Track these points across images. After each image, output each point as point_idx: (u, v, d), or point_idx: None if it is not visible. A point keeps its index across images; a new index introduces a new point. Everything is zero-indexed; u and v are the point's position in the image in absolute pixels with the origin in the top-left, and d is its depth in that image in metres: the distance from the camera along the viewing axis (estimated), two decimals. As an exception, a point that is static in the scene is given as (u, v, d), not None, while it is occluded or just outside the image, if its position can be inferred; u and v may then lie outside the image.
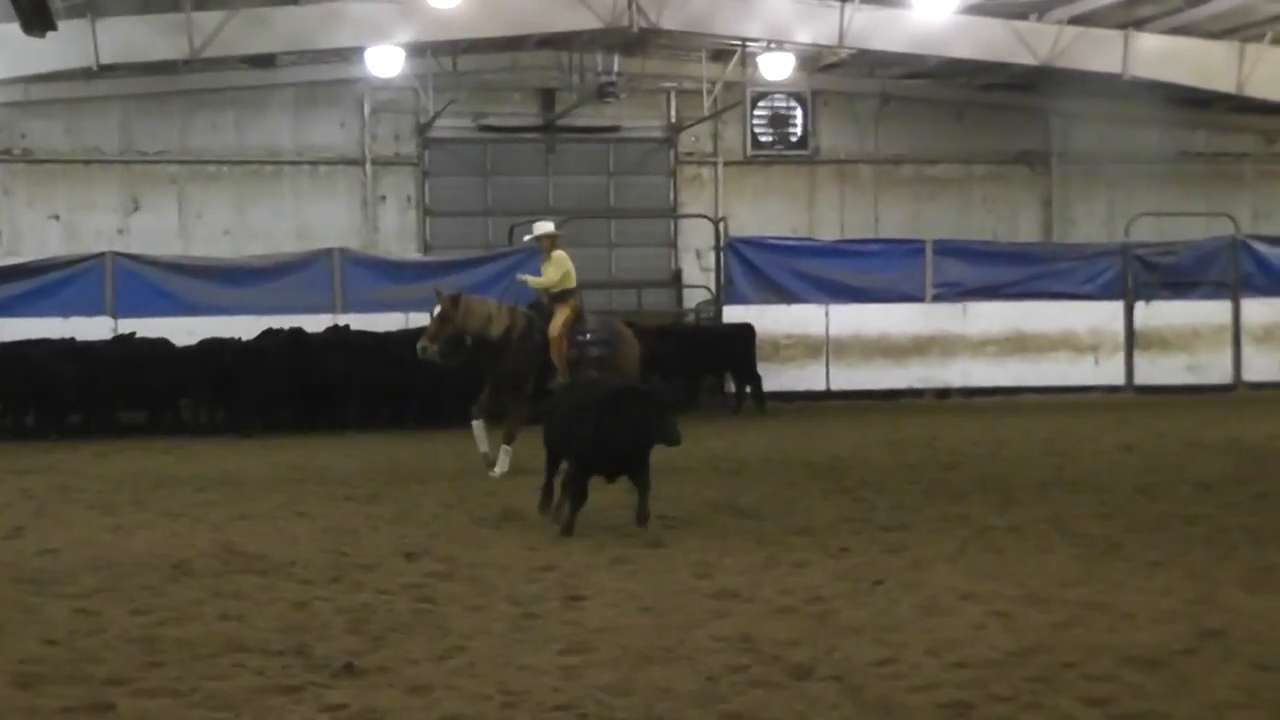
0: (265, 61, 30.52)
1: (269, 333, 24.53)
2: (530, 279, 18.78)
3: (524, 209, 31.64)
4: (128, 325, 25.30)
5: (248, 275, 27.24)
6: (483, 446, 17.54)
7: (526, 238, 19.23)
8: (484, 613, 9.49)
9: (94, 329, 25.25)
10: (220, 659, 8.32)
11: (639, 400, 12.27)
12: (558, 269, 18.33)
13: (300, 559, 11.50)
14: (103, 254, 26.91)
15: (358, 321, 25.77)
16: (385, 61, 30.17)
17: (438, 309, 17.64)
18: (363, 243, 31.31)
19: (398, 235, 32.61)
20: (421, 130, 32.43)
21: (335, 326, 25.42)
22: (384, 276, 27.74)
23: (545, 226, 18.82)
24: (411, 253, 31.60)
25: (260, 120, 32.09)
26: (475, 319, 17.65)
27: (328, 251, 27.74)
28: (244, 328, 24.73)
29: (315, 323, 25.34)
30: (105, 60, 27.98)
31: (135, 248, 28.87)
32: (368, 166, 32.52)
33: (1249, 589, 9.77)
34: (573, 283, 18.45)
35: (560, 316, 17.99)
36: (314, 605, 9.77)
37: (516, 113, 33.08)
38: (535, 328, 17.91)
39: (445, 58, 31.56)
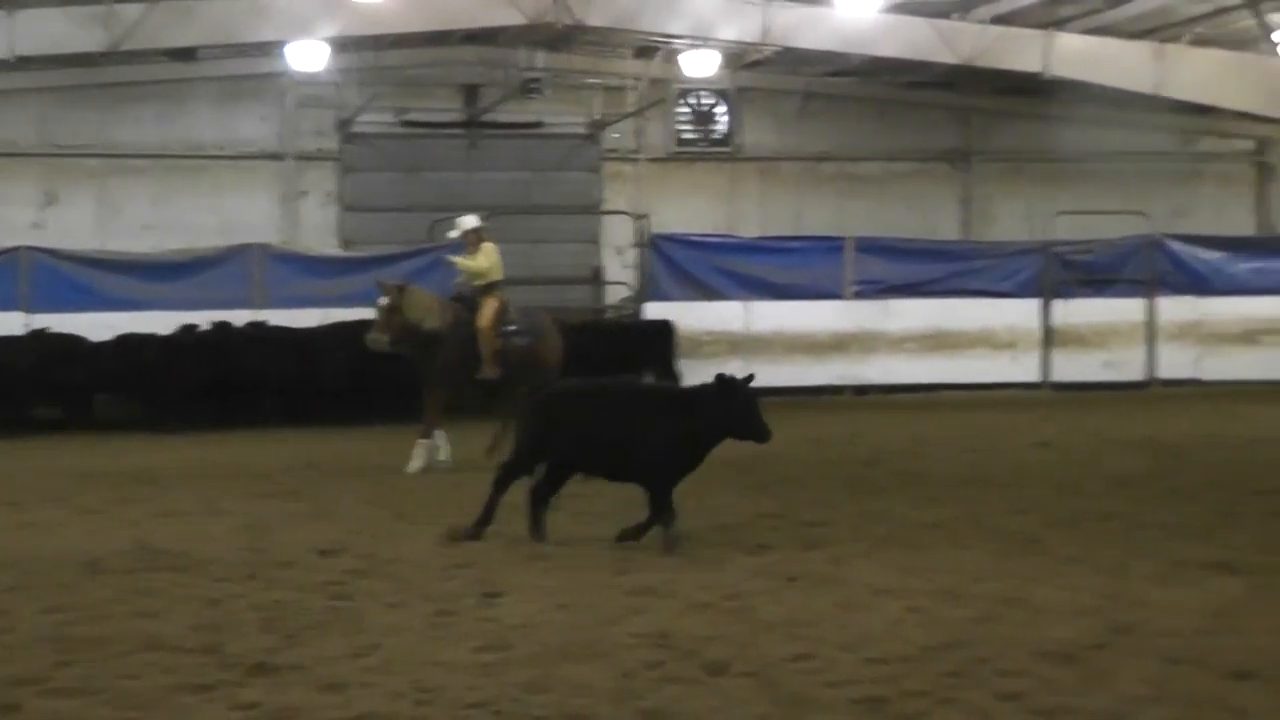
0: (187, 54, 30.25)
1: (187, 328, 24.38)
2: (459, 261, 18.69)
3: (446, 205, 31.42)
4: (43, 321, 25.05)
5: (167, 270, 27.06)
6: (443, 454, 17.64)
7: (452, 234, 19.12)
8: (400, 610, 9.46)
9: (7, 324, 24.96)
10: (133, 657, 8.26)
11: (726, 396, 11.66)
12: (487, 258, 18.35)
13: (216, 556, 11.43)
14: (17, 248, 26.62)
15: (278, 317, 25.64)
16: (308, 56, 29.89)
17: (384, 300, 17.62)
18: (284, 238, 31.09)
19: (319, 231, 32.37)
20: (344, 125, 32.21)
21: (255, 322, 25.28)
22: (305, 272, 27.63)
23: (469, 221, 18.77)
24: (333, 248, 31.42)
25: (182, 114, 31.77)
26: (416, 310, 17.68)
27: (248, 247, 27.57)
28: (163, 323, 24.56)
29: (235, 318, 25.20)
30: (23, 52, 27.70)
31: (52, 242, 28.51)
32: (290, 161, 32.29)
33: (1161, 584, 9.87)
34: (500, 274, 18.48)
35: (488, 308, 18.01)
36: (229, 603, 9.72)
37: (440, 108, 32.91)
38: (463, 320, 17.93)
39: (369, 53, 31.33)
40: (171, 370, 23.42)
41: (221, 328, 24.39)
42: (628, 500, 14.21)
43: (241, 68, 31.61)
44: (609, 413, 11.89)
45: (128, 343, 23.87)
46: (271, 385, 23.89)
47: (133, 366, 23.53)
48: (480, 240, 18.46)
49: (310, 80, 31.55)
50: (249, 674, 7.86)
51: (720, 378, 11.79)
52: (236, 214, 31.64)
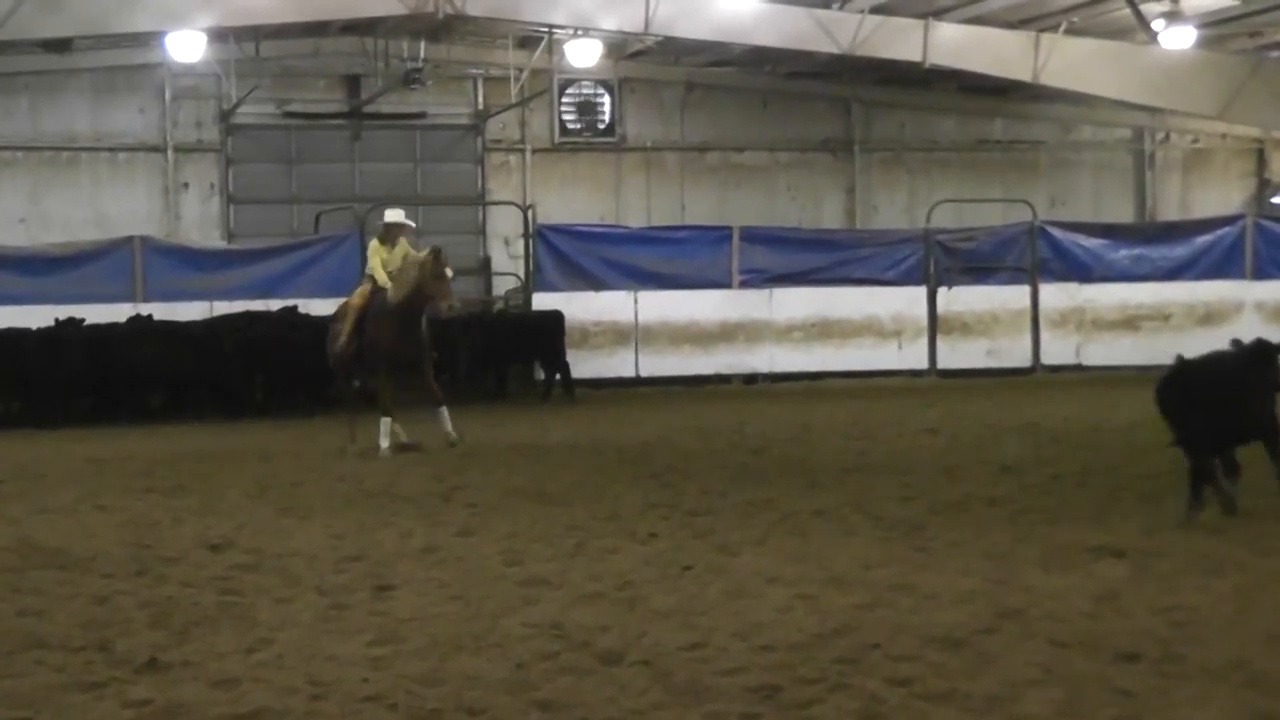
0: (61, 45, 29.83)
1: (69, 322, 24.06)
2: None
3: (330, 196, 31.35)
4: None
5: (44, 264, 26.73)
6: (404, 436, 17.91)
7: (400, 221, 19.02)
8: (291, 604, 9.39)
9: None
10: (18, 656, 8.14)
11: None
12: None
13: (101, 553, 11.28)
14: (-111, 243, 26.22)
15: (160, 311, 25.36)
16: (186, 47, 29.57)
17: (450, 271, 18.03)
18: (164, 231, 30.77)
19: (200, 223, 32.08)
20: (224, 117, 31.92)
21: (137, 316, 24.99)
22: (187, 265, 27.35)
23: (399, 214, 18.99)
24: (215, 241, 31.14)
25: (56, 106, 31.36)
26: None
27: (128, 240, 27.29)
28: (41, 317, 24.22)
29: (116, 312, 24.91)
30: (-108, 43, 27.20)
31: (-76, 236, 28.13)
32: (169, 153, 31.93)
33: (1046, 568, 9.97)
34: None
35: None
36: (116, 600, 9.59)
37: (321, 99, 32.71)
38: None
39: (248, 43, 31.07)
40: (52, 365, 23.10)
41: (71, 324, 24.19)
42: (520, 491, 14.23)
43: (117, 59, 31.25)
44: (1247, 382, 11.94)
45: (5, 338, 23.53)
46: (155, 379, 23.68)
47: (10, 362, 23.20)
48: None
49: (189, 71, 31.25)
50: (139, 671, 7.77)
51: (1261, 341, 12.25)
52: (114, 207, 31.32)
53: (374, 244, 18.89)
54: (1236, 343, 12.27)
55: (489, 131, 33.68)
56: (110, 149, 31.73)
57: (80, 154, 31.55)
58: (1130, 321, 30.67)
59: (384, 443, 17.79)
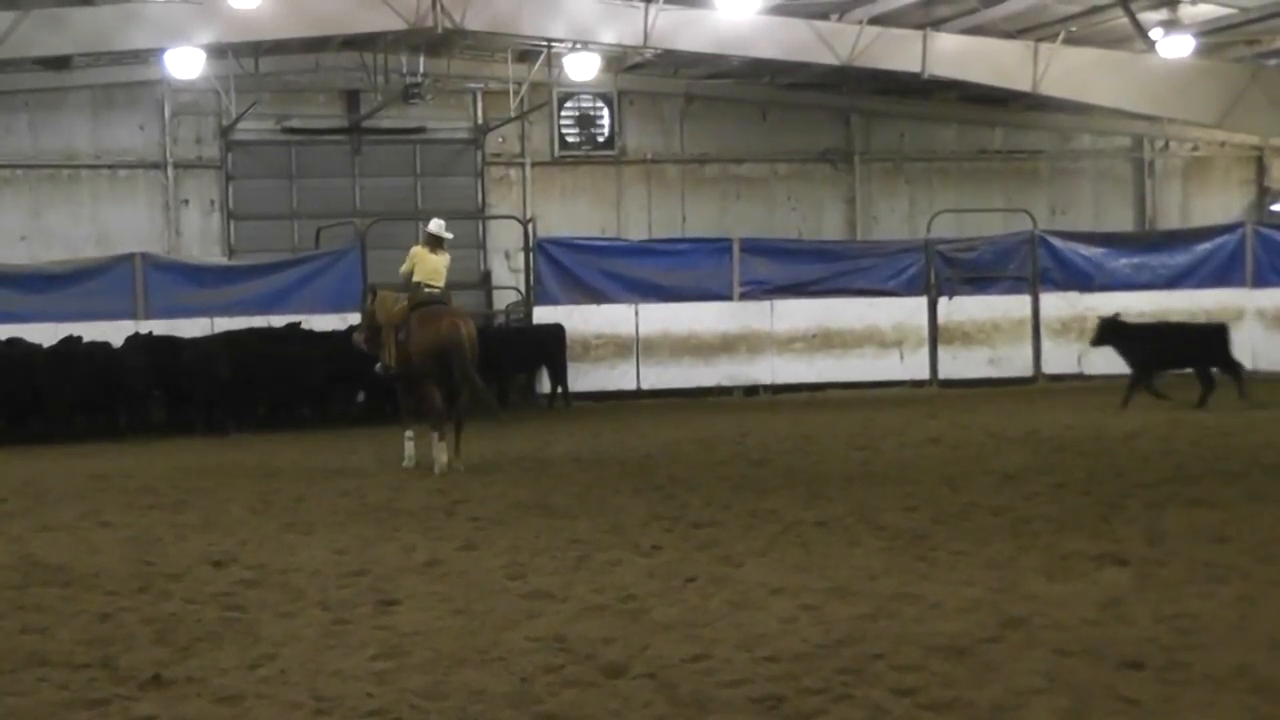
0: (60, 63, 29.87)
1: (69, 339, 24.08)
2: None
3: (330, 211, 31.35)
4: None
5: (45, 281, 26.72)
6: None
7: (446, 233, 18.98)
8: (294, 619, 9.39)
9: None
10: (22, 674, 8.13)
11: None
12: None
13: (104, 569, 11.28)
14: (-107, 262, 26.23)
15: (161, 327, 25.36)
16: (185, 63, 29.58)
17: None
18: (165, 247, 30.79)
19: (201, 239, 32.08)
20: (224, 133, 31.93)
21: (138, 332, 25.01)
22: (188, 281, 27.34)
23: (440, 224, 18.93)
24: (216, 257, 31.15)
25: (56, 123, 31.37)
26: None
27: (129, 256, 27.28)
28: (43, 335, 24.24)
29: (117, 329, 24.91)
30: (-108, 62, 27.22)
31: (-75, 254, 28.14)
32: (169, 170, 31.94)
33: (1050, 577, 9.97)
34: None
35: None
36: (119, 616, 9.59)
37: (321, 114, 32.72)
38: None
39: (247, 59, 31.08)
40: (59, 381, 23.12)
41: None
42: (522, 504, 14.23)
43: (117, 76, 31.28)
44: None
45: (8, 354, 23.55)
46: (159, 395, 23.74)
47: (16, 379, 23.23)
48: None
49: (188, 88, 31.27)
50: (143, 688, 7.77)
51: None
52: (115, 224, 31.33)
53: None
54: None
55: (489, 145, 33.69)
56: (110, 166, 31.75)
57: (80, 171, 31.57)
58: (1132, 330, 30.64)
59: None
